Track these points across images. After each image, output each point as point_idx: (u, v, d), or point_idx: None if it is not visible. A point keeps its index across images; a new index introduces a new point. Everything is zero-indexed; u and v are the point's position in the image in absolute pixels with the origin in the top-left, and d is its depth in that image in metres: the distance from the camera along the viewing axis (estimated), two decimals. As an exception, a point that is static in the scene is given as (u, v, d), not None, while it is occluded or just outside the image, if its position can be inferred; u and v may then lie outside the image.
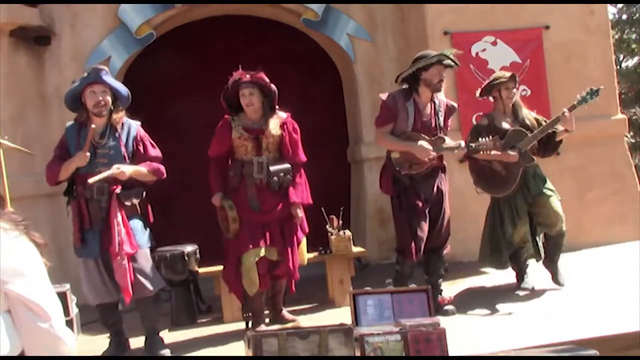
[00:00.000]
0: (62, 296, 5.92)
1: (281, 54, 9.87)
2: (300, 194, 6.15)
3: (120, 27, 8.82)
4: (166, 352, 5.76)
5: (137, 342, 6.03)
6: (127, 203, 5.68)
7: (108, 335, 5.95)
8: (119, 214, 5.60)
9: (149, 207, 5.91)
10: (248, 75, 6.03)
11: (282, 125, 6.12)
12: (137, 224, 5.74)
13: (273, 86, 6.03)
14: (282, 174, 6.02)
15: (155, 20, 8.93)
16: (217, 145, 6.16)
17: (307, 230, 6.31)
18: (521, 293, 6.75)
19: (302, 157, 6.22)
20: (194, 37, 9.86)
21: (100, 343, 6.11)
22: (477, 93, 7.08)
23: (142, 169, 5.76)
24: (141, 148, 5.83)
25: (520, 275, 6.97)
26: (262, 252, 5.91)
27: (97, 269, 5.67)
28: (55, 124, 8.50)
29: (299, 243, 6.23)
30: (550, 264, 6.89)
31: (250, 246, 5.89)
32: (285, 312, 6.42)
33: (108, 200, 5.62)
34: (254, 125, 6.07)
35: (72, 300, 6.39)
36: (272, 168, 5.99)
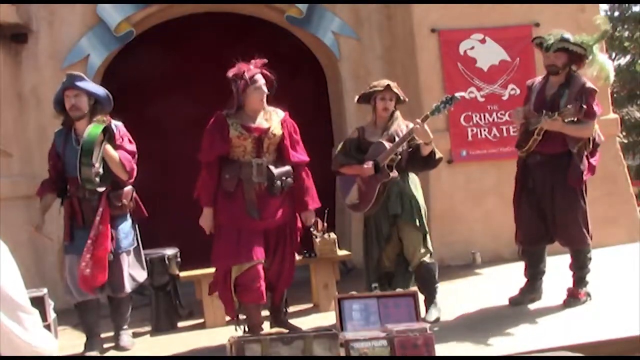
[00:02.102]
0: (40, 300, 5.76)
1: (264, 52, 9.68)
2: (314, 198, 5.85)
3: (99, 24, 8.70)
4: (133, 343, 6.10)
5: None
6: (118, 203, 5.86)
7: (86, 337, 6.03)
8: (104, 216, 5.76)
9: (140, 204, 6.10)
10: (256, 68, 5.72)
11: (282, 124, 5.75)
12: (124, 225, 5.95)
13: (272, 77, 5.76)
14: (284, 177, 5.65)
15: (134, 17, 8.79)
16: (213, 146, 5.58)
17: (302, 230, 6.03)
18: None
19: (306, 157, 5.86)
20: (175, 35, 9.72)
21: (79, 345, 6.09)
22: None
23: (114, 153, 5.79)
24: (119, 143, 5.90)
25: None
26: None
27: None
28: (32, 124, 8.40)
29: (297, 252, 6.07)
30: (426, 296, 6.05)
31: (245, 259, 5.45)
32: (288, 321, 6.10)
33: (98, 199, 5.79)
34: (252, 123, 5.64)
35: (49, 305, 6.23)
36: (275, 171, 5.59)
